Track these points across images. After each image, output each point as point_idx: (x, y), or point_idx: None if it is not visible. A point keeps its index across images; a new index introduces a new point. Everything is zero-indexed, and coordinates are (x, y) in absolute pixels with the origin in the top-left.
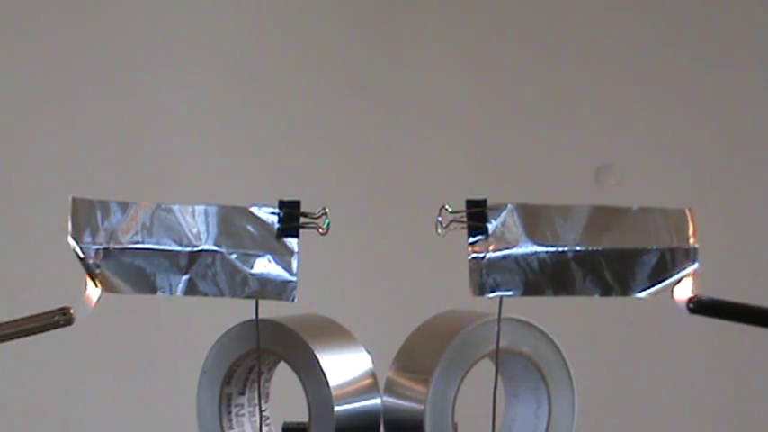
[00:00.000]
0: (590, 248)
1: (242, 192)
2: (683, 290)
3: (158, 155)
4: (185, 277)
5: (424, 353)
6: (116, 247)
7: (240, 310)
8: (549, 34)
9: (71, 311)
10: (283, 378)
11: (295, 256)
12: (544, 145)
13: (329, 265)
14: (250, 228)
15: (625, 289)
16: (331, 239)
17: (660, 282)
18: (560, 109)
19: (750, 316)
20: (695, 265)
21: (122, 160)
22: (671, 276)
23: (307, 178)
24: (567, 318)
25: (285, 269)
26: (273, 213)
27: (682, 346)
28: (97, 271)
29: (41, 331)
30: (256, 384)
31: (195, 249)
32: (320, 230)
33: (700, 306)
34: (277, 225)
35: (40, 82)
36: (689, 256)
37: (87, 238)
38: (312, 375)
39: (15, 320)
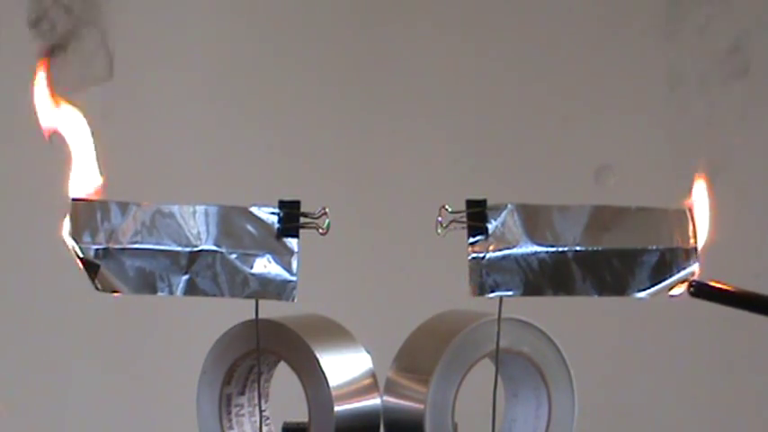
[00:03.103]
0: (590, 248)
1: (242, 192)
2: (680, 288)
3: (158, 155)
4: (185, 277)
5: (424, 353)
6: (116, 247)
7: (240, 310)
8: (549, 34)
9: None
10: (283, 378)
11: (295, 256)
12: (544, 145)
13: (329, 265)
14: (250, 228)
15: (625, 289)
16: (331, 239)
17: (660, 282)
18: (560, 109)
19: (753, 303)
20: (696, 266)
21: (122, 160)
22: (671, 276)
23: (307, 178)
24: (567, 318)
25: (285, 269)
26: (273, 213)
27: (682, 346)
28: (97, 271)
29: None
30: (256, 384)
31: (195, 249)
32: (320, 230)
33: (700, 290)
34: (277, 225)
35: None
36: (689, 256)
37: (87, 239)
38: (312, 375)
39: None
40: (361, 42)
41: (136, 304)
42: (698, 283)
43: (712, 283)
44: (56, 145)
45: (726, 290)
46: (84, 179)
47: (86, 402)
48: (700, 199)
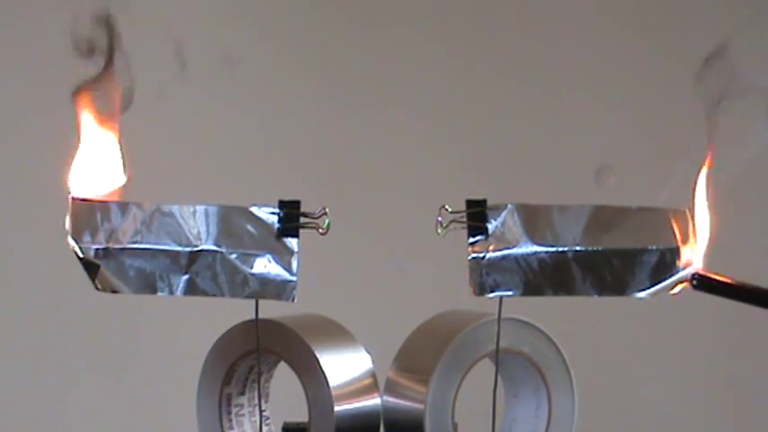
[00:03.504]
0: (590, 248)
1: (242, 192)
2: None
3: (158, 155)
4: (185, 277)
5: (424, 353)
6: (116, 247)
7: (240, 310)
8: (549, 33)
9: None
10: (283, 378)
11: (295, 256)
12: (544, 145)
13: (329, 265)
14: (250, 228)
15: (625, 289)
16: (331, 239)
17: (660, 282)
18: (560, 109)
19: (754, 296)
20: (696, 266)
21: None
22: (671, 276)
23: (307, 178)
24: (567, 318)
25: (285, 269)
26: (273, 213)
27: (682, 345)
28: (97, 271)
29: None
30: (256, 384)
31: (195, 249)
32: (320, 230)
33: (702, 282)
34: (277, 225)
35: (38, 81)
36: (689, 256)
37: (87, 239)
38: (312, 375)
39: None
40: (362, 42)
41: (135, 304)
42: (700, 275)
43: (714, 276)
44: (58, 144)
45: (727, 282)
46: (98, 179)
47: (86, 403)
48: (700, 199)
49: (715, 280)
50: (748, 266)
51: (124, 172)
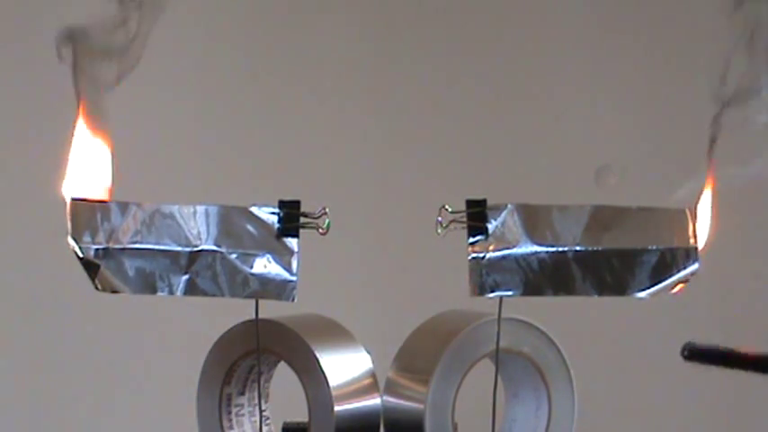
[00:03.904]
0: (590, 248)
1: (242, 192)
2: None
3: (158, 155)
4: (185, 277)
5: (424, 353)
6: (116, 247)
7: (240, 310)
8: (550, 33)
9: None
10: (283, 378)
11: (295, 255)
12: (544, 145)
13: (329, 265)
14: (250, 228)
15: (625, 289)
16: (331, 239)
17: (660, 282)
18: (560, 109)
19: (748, 363)
20: (696, 266)
21: (122, 161)
22: (671, 276)
23: (307, 178)
24: (567, 318)
25: (285, 269)
26: (273, 213)
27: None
28: (97, 271)
29: None
30: (256, 384)
31: (195, 249)
32: (320, 230)
33: (693, 353)
34: (277, 225)
35: (38, 80)
36: (689, 256)
37: (87, 239)
38: (312, 375)
39: None
40: (362, 41)
41: (135, 304)
42: (691, 345)
43: (706, 347)
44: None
45: (720, 351)
46: (91, 180)
47: (85, 403)
48: (702, 199)
49: (706, 350)
50: (749, 266)
51: (111, 176)
